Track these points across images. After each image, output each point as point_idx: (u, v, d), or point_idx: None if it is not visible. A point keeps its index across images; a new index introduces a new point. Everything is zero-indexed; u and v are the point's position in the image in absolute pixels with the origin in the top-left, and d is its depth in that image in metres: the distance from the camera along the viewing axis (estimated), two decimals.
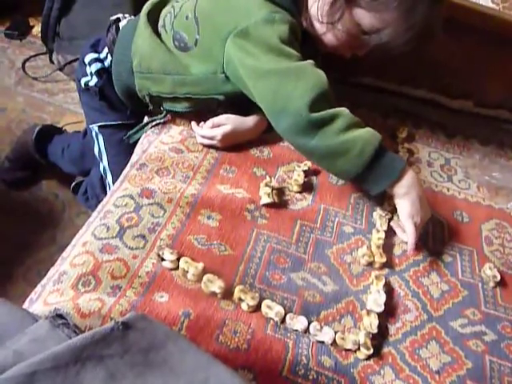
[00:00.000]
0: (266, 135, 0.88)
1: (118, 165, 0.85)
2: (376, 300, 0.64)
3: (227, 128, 0.80)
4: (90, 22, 1.52)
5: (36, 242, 1.16)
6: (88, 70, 0.90)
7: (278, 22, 0.72)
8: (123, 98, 0.89)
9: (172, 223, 0.69)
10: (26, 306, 0.59)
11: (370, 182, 0.70)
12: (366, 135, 0.68)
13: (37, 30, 1.68)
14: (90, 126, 0.95)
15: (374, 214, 0.78)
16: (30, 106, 1.46)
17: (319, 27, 0.77)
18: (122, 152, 0.89)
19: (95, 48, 0.90)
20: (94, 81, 0.89)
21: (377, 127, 0.95)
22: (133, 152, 0.83)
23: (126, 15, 0.92)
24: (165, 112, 0.85)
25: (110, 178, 0.94)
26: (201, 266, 0.62)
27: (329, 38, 0.78)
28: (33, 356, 0.40)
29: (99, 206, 0.72)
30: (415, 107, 1.00)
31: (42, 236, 1.17)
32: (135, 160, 0.78)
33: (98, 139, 0.94)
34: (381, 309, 0.63)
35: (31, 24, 1.75)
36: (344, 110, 0.69)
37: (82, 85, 0.91)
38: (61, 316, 0.45)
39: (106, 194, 0.91)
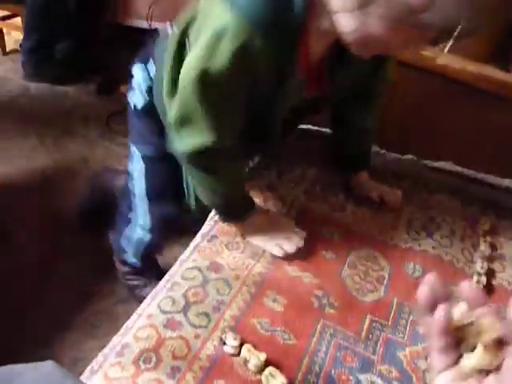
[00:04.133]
0: (336, 216, 0.86)
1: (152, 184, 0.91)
2: None
3: None
4: None
5: (96, 291, 1.18)
6: (136, 89, 0.83)
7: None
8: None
9: (236, 302, 0.67)
10: (86, 375, 0.58)
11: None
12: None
13: (125, 87, 1.83)
14: (130, 144, 0.92)
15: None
16: (109, 158, 1.56)
17: (346, 22, 0.55)
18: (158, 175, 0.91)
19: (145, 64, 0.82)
20: (140, 100, 0.83)
21: (457, 216, 0.91)
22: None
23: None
24: None
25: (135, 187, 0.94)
26: (263, 357, 0.59)
27: (360, 33, 0.55)
28: None
29: (166, 276, 0.72)
30: (499, 196, 0.94)
31: (102, 286, 1.20)
32: (207, 230, 0.78)
33: (133, 158, 0.92)
34: None
35: (120, 81, 1.91)
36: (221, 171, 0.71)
37: (132, 106, 0.86)
38: None
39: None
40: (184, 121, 0.65)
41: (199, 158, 0.68)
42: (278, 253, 0.75)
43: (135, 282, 1.14)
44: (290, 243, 0.76)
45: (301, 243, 0.76)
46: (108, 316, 1.13)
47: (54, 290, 1.16)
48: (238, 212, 0.77)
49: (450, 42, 0.53)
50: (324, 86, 0.73)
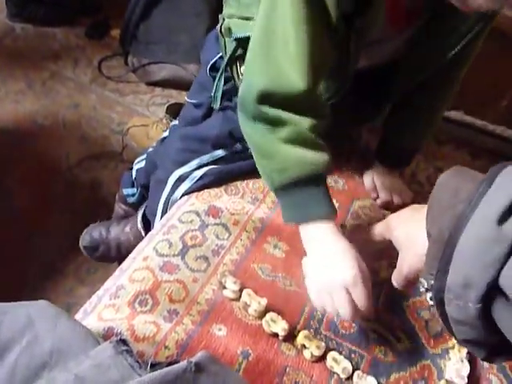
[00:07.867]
0: (342, 164, 0.82)
1: None
2: (458, 370, 0.56)
3: None
4: (168, 28, 1.55)
5: None
6: None
7: None
8: None
9: (236, 248, 0.65)
10: (79, 316, 0.56)
11: (283, 206, 0.58)
12: (301, 157, 0.54)
13: (115, 31, 1.73)
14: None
15: None
16: (101, 104, 1.49)
17: None
18: None
19: None
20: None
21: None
22: None
23: None
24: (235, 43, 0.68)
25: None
26: (264, 301, 0.57)
27: None
28: (94, 382, 0.36)
29: (163, 219, 0.68)
30: (508, 149, 0.90)
31: None
32: None
33: None
34: (464, 382, 0.55)
35: (111, 25, 1.80)
36: (300, 123, 0.54)
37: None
38: (124, 341, 0.42)
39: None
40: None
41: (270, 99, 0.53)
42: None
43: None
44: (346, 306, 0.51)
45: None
46: (101, 264, 1.11)
47: (44, 237, 1.13)
48: (301, 203, 0.56)
49: None
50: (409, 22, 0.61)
